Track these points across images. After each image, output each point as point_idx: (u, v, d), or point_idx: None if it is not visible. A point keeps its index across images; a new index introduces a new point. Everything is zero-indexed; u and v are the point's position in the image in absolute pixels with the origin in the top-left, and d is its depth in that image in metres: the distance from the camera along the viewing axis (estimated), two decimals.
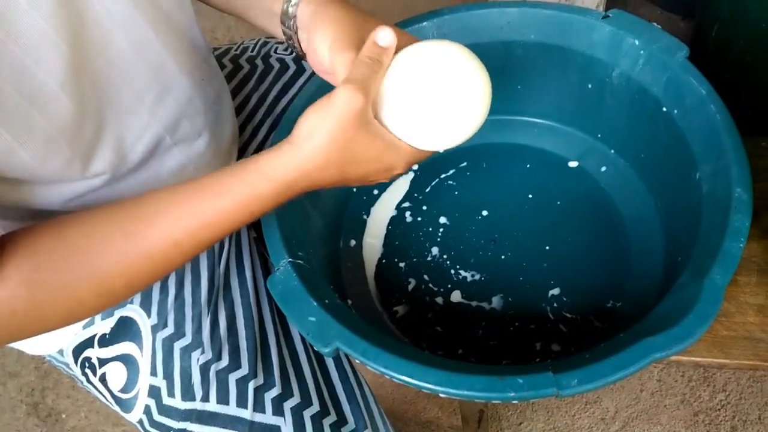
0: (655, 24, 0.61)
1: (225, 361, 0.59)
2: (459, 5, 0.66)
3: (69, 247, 0.44)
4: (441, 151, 0.51)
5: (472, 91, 0.47)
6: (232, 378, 0.59)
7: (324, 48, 0.50)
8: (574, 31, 0.65)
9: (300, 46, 0.56)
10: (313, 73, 0.75)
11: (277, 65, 0.76)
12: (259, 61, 0.77)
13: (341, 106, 0.43)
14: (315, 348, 0.50)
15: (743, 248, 0.49)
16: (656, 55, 0.60)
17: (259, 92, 0.75)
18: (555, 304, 0.64)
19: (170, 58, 0.53)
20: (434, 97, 0.47)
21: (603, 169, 0.71)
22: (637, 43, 0.61)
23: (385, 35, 0.46)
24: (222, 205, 0.45)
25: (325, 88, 0.62)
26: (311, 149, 0.44)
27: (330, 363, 0.63)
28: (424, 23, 0.67)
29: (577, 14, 0.64)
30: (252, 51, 0.78)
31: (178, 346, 0.59)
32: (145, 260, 0.45)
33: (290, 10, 0.54)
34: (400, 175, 0.53)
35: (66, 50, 0.43)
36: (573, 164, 0.73)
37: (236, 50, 0.78)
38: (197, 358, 0.59)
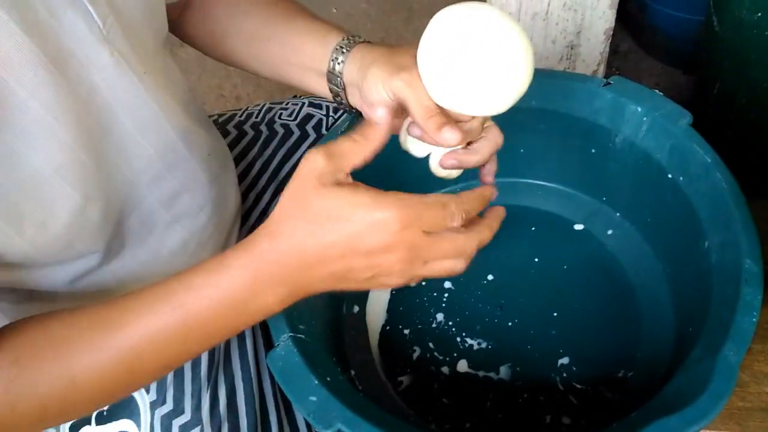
0: (656, 91, 0.61)
1: None
2: None
3: (48, 339, 0.42)
4: (487, 115, 0.49)
5: (513, 49, 0.46)
6: None
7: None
8: (576, 98, 0.65)
9: (348, 101, 0.56)
10: (316, 140, 0.75)
11: (281, 131, 0.76)
12: (263, 127, 0.77)
13: (301, 167, 0.42)
14: (316, 429, 0.48)
15: (756, 323, 0.47)
16: (659, 122, 0.60)
17: (263, 158, 0.75)
18: (564, 374, 0.62)
19: (179, 138, 0.53)
20: (475, 57, 0.45)
21: (609, 232, 0.71)
22: (639, 109, 0.61)
23: (380, 115, 0.45)
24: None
25: None
26: (276, 211, 0.42)
27: None
28: None
29: (579, 81, 0.64)
30: (256, 117, 0.78)
31: (176, 423, 0.58)
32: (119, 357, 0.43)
33: (337, 68, 0.54)
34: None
35: (65, 136, 0.42)
36: (579, 227, 0.72)
37: (240, 116, 0.79)
38: None
